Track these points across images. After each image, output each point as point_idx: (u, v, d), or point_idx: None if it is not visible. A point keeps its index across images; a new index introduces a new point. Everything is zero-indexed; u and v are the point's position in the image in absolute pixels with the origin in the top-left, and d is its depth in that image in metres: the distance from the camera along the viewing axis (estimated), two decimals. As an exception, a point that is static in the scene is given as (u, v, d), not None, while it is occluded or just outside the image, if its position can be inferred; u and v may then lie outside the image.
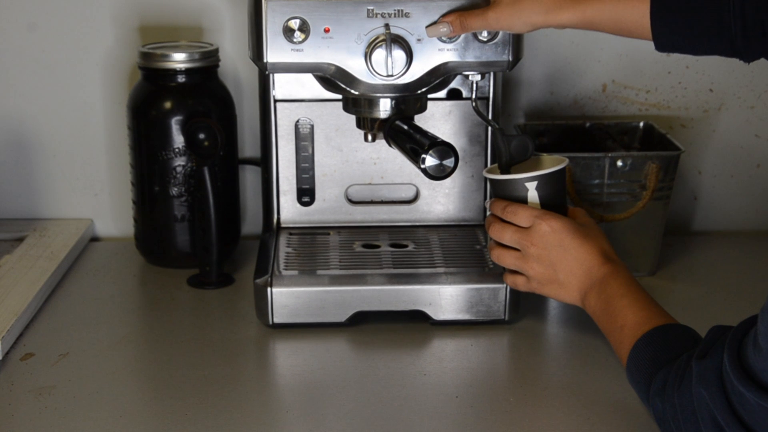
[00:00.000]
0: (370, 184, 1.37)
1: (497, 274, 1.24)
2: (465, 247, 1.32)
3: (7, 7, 1.48)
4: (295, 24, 1.17)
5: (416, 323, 1.25)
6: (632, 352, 1.01)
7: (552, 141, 1.50)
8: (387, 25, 1.18)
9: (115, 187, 1.55)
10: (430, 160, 1.11)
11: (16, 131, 1.53)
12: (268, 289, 1.22)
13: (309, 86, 1.32)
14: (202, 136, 1.34)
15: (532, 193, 1.15)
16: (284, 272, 1.24)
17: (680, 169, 1.48)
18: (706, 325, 0.97)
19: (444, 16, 1.17)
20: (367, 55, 1.18)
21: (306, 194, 1.37)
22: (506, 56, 1.20)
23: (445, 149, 1.11)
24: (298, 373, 1.16)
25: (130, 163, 1.43)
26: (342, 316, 1.23)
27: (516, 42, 1.20)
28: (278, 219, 1.37)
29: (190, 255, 1.42)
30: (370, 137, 1.26)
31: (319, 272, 1.25)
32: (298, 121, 1.34)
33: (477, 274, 1.24)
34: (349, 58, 1.18)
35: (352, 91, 1.20)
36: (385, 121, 1.22)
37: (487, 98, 1.33)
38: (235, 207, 1.47)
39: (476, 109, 1.23)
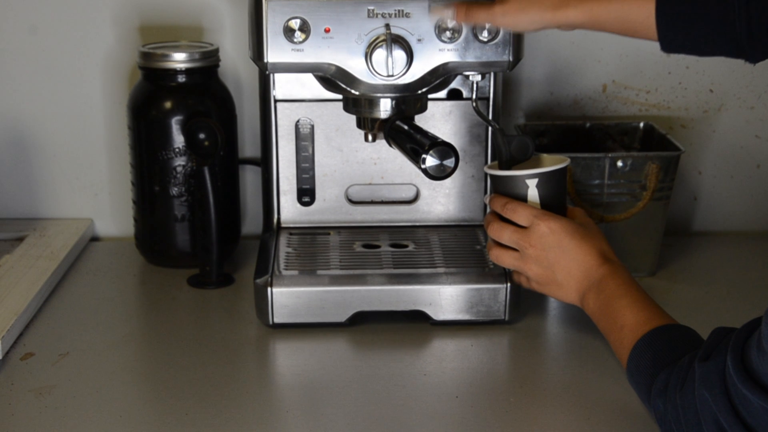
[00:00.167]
0: (370, 184, 1.37)
1: (497, 274, 1.24)
2: (465, 248, 1.32)
3: (7, 7, 1.48)
4: (295, 24, 1.17)
5: (416, 323, 1.25)
6: (632, 353, 1.01)
7: (552, 141, 1.50)
8: (387, 25, 1.18)
9: (116, 187, 1.55)
10: (430, 161, 1.11)
11: (16, 131, 1.53)
12: (269, 289, 1.22)
13: (309, 86, 1.32)
14: (202, 135, 1.34)
15: (532, 191, 1.15)
16: (284, 272, 1.24)
17: (680, 170, 1.48)
18: (707, 326, 0.97)
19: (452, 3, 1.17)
20: (368, 55, 1.18)
21: (306, 194, 1.37)
22: (507, 56, 1.20)
23: (445, 149, 1.11)
24: (298, 373, 1.16)
25: (131, 163, 1.43)
26: (342, 316, 1.23)
27: (516, 42, 1.20)
28: (278, 219, 1.37)
29: (191, 255, 1.42)
30: (370, 137, 1.26)
31: (320, 272, 1.25)
32: (298, 121, 1.34)
33: (477, 275, 1.24)
34: (350, 58, 1.18)
35: (353, 91, 1.20)
36: (385, 121, 1.22)
37: (488, 98, 1.33)
38: (235, 207, 1.47)
39: (476, 110, 1.23)
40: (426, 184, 1.37)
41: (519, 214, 1.14)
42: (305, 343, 1.21)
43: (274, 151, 1.35)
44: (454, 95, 1.34)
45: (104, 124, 1.53)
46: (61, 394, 1.09)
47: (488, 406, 1.07)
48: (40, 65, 1.50)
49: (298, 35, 1.18)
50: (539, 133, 1.50)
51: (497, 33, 1.19)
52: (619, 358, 1.05)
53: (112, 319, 1.28)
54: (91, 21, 1.49)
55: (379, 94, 1.20)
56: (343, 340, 1.22)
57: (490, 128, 1.34)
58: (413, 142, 1.15)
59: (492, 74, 1.32)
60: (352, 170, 1.36)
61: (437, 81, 1.21)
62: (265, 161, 1.37)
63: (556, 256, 1.12)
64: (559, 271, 1.12)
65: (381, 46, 1.17)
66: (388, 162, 1.36)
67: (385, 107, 1.22)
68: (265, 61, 1.19)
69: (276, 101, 1.33)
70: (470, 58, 1.20)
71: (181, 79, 1.38)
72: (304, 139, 1.35)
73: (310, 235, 1.35)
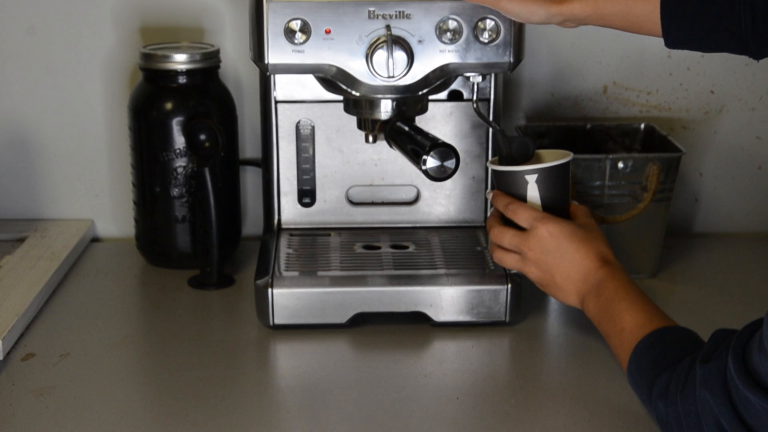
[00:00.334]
0: (370, 185, 1.37)
1: (498, 275, 1.24)
2: (466, 249, 1.32)
3: (8, 8, 1.48)
4: (296, 25, 1.17)
5: (417, 325, 1.25)
6: (633, 356, 1.01)
7: (553, 142, 1.50)
8: (388, 26, 1.18)
9: (116, 188, 1.55)
10: (431, 162, 1.11)
11: (17, 132, 1.53)
12: (269, 290, 1.22)
13: (310, 87, 1.32)
14: (203, 137, 1.34)
15: (532, 187, 1.15)
16: (285, 273, 1.24)
17: (681, 171, 1.48)
18: (708, 327, 0.97)
19: None
20: (368, 57, 1.18)
21: (307, 195, 1.37)
22: (507, 58, 1.20)
23: (446, 150, 1.11)
24: (299, 374, 1.16)
25: (131, 164, 1.43)
26: (343, 318, 1.23)
27: (517, 43, 1.20)
28: (279, 220, 1.37)
29: (191, 256, 1.42)
30: (371, 138, 1.26)
31: (320, 273, 1.25)
32: (299, 122, 1.34)
33: (478, 276, 1.24)
34: (350, 59, 1.18)
35: (353, 93, 1.20)
36: (386, 122, 1.22)
37: (488, 99, 1.33)
38: (235, 208, 1.47)
39: (477, 111, 1.23)
40: (426, 185, 1.37)
41: (519, 216, 1.14)
42: (306, 344, 1.21)
43: (275, 152, 1.35)
44: (455, 96, 1.34)
45: (105, 125, 1.53)
46: (61, 394, 1.09)
47: (489, 408, 1.07)
48: (42, 66, 1.50)
49: (299, 36, 1.18)
50: (540, 134, 1.50)
51: (498, 34, 1.19)
52: (620, 361, 1.05)
53: (113, 320, 1.28)
54: (92, 22, 1.49)
55: (379, 96, 1.20)
56: (343, 342, 1.22)
57: (490, 129, 1.34)
58: (414, 144, 1.15)
59: (493, 75, 1.32)
60: (353, 171, 1.36)
61: (438, 82, 1.21)
62: (265, 162, 1.37)
63: (555, 260, 1.12)
64: (558, 275, 1.12)
65: (382, 47, 1.17)
66: (388, 163, 1.36)
67: (385, 108, 1.22)
68: (266, 62, 1.19)
69: (277, 102, 1.33)
70: (471, 60, 1.20)
71: (182, 80, 1.38)
72: (305, 140, 1.35)
73: (311, 236, 1.35)
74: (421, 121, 1.26)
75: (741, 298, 1.35)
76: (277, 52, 1.18)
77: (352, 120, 1.29)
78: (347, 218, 1.38)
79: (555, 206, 1.16)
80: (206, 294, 1.36)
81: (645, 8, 1.07)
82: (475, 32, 1.19)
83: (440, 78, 1.21)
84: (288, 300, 1.22)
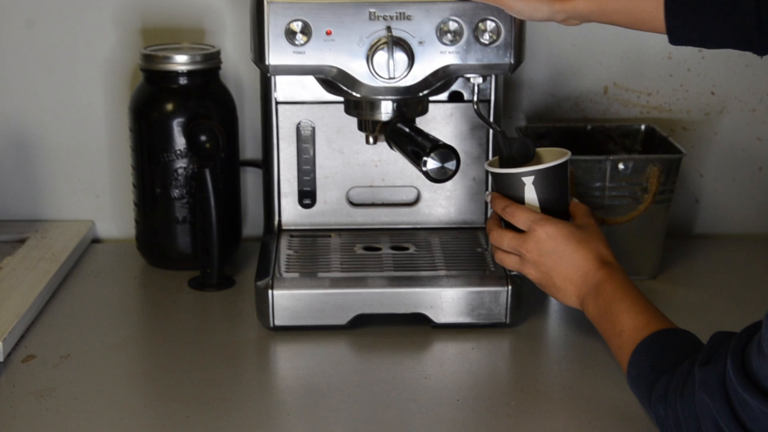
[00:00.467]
0: (371, 186, 1.37)
1: (499, 277, 1.24)
2: (466, 250, 1.32)
3: (8, 8, 1.47)
4: (297, 26, 1.17)
5: (417, 326, 1.24)
6: (632, 358, 1.01)
7: (553, 143, 1.49)
8: (389, 28, 1.18)
9: (117, 189, 1.55)
10: (431, 163, 1.11)
11: (18, 133, 1.53)
12: (269, 291, 1.22)
13: (310, 88, 1.32)
14: (203, 138, 1.34)
15: (530, 188, 1.14)
16: (285, 274, 1.24)
17: (682, 172, 1.48)
18: (708, 329, 0.97)
19: None
20: (369, 58, 1.18)
21: (307, 196, 1.37)
22: (508, 59, 1.20)
23: (446, 152, 1.11)
24: (299, 375, 1.16)
25: (132, 165, 1.43)
26: (343, 319, 1.23)
27: (518, 45, 1.20)
28: (279, 221, 1.37)
29: (191, 257, 1.42)
30: (371, 139, 1.26)
31: (320, 275, 1.24)
32: (299, 123, 1.34)
33: (478, 277, 1.24)
34: (351, 60, 1.18)
35: (354, 94, 1.20)
36: (386, 123, 1.22)
37: (489, 101, 1.33)
38: (236, 209, 1.47)
39: (478, 112, 1.23)
40: (427, 187, 1.37)
41: (517, 219, 1.14)
42: (306, 346, 1.21)
43: (275, 153, 1.35)
44: (455, 97, 1.34)
45: (106, 126, 1.53)
46: (62, 396, 1.09)
47: (489, 410, 1.07)
48: (42, 67, 1.50)
49: (300, 38, 1.18)
50: (540, 135, 1.50)
51: (499, 35, 1.19)
52: (620, 363, 1.05)
53: (113, 321, 1.28)
54: (93, 23, 1.49)
55: (380, 97, 1.20)
56: (343, 343, 1.22)
57: (491, 130, 1.34)
58: (414, 145, 1.15)
59: (493, 76, 1.32)
60: (353, 172, 1.36)
61: (438, 83, 1.21)
62: (266, 163, 1.37)
63: (553, 262, 1.12)
64: (557, 276, 1.12)
65: (382, 48, 1.17)
66: (389, 164, 1.36)
67: (386, 109, 1.22)
68: (267, 63, 1.19)
69: (277, 103, 1.33)
70: (471, 61, 1.19)
71: (183, 81, 1.38)
72: (305, 141, 1.35)
73: (311, 238, 1.35)
74: (421, 123, 1.26)
75: (742, 300, 1.35)
76: (277, 54, 1.18)
77: (353, 121, 1.29)
78: (348, 219, 1.38)
79: (553, 207, 1.15)
80: (206, 295, 1.36)
81: (649, 5, 1.07)
82: (476, 33, 1.19)
83: (441, 79, 1.21)
84: (288, 301, 1.22)
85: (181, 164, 1.39)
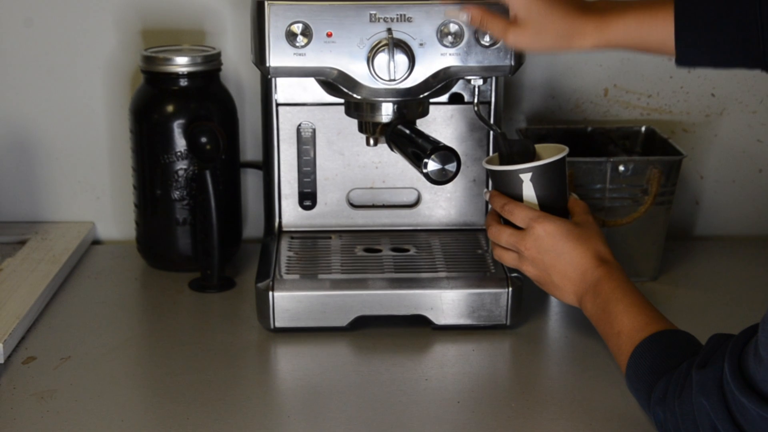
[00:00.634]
0: (371, 188, 1.37)
1: (499, 278, 1.24)
2: (467, 252, 1.32)
3: (7, 9, 1.48)
4: (297, 28, 1.17)
5: (418, 328, 1.24)
6: (631, 360, 1.01)
7: (554, 145, 1.50)
8: (389, 30, 1.18)
9: (117, 191, 1.55)
10: (432, 165, 1.11)
11: (18, 134, 1.53)
12: (270, 293, 1.22)
13: (311, 90, 1.32)
14: (204, 139, 1.34)
15: (527, 185, 1.14)
16: (286, 276, 1.24)
17: (682, 174, 1.48)
18: (709, 330, 0.97)
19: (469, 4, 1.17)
20: (370, 60, 1.18)
21: (307, 198, 1.37)
22: (508, 61, 1.20)
23: (447, 154, 1.11)
24: (300, 377, 1.16)
25: (132, 167, 1.43)
26: (343, 321, 1.23)
27: (518, 47, 1.20)
28: (280, 223, 1.37)
29: (192, 258, 1.42)
30: (372, 141, 1.26)
31: (321, 276, 1.25)
32: (300, 125, 1.34)
33: (479, 279, 1.24)
34: (352, 62, 1.18)
35: (355, 96, 1.20)
36: (387, 125, 1.22)
37: (489, 102, 1.33)
38: (236, 210, 1.47)
39: (478, 114, 1.23)
40: (427, 188, 1.37)
41: (516, 216, 1.14)
42: (306, 348, 1.21)
43: (276, 154, 1.35)
44: (456, 99, 1.34)
45: (106, 127, 1.53)
46: (62, 398, 1.09)
47: (490, 412, 1.07)
48: (43, 69, 1.50)
49: (300, 39, 1.18)
50: (541, 136, 1.49)
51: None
52: (619, 364, 1.05)
53: (114, 323, 1.28)
54: (93, 25, 1.49)
55: (380, 99, 1.20)
56: (344, 345, 1.22)
57: (491, 132, 1.34)
58: (415, 147, 1.15)
59: (494, 78, 1.32)
60: (354, 174, 1.36)
61: (439, 85, 1.21)
62: (266, 165, 1.37)
63: (551, 259, 1.12)
64: (556, 274, 1.12)
65: (383, 50, 1.17)
66: (389, 166, 1.36)
67: (386, 111, 1.22)
68: (267, 65, 1.19)
69: (278, 105, 1.33)
70: (472, 63, 1.20)
71: (183, 82, 1.38)
72: (306, 143, 1.35)
73: (312, 239, 1.35)
74: (422, 124, 1.26)
75: (742, 301, 1.35)
76: (278, 55, 1.18)
77: (353, 123, 1.29)
78: (348, 221, 1.38)
79: (552, 203, 1.15)
80: (207, 297, 1.36)
81: (658, 34, 1.08)
82: (476, 35, 1.19)
83: (441, 81, 1.21)
84: (289, 303, 1.22)
85: (181, 166, 1.39)
